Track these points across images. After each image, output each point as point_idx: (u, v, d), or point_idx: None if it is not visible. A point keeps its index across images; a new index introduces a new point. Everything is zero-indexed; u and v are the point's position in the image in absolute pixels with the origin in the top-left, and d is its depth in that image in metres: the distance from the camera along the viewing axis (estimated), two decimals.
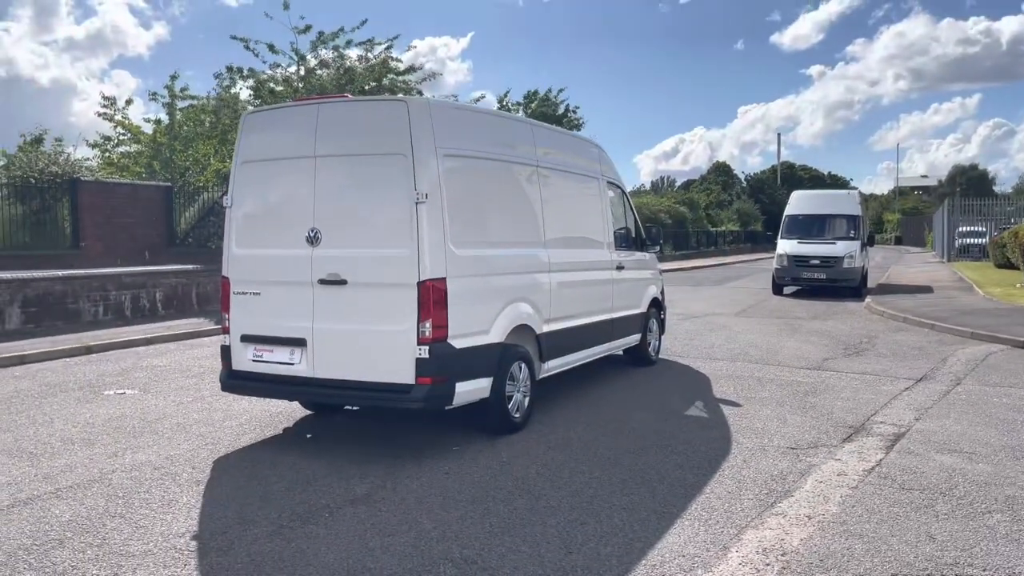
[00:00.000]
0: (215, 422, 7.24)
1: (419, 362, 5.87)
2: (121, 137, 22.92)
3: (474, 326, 6.30)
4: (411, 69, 21.48)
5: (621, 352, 9.92)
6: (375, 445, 6.51)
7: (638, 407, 7.89)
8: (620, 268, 9.14)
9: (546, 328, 7.33)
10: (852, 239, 20.53)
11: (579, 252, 8.30)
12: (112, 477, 5.68)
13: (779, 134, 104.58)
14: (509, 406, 6.70)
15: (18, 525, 4.75)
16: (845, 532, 4.67)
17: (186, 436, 6.78)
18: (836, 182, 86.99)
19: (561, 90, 34.48)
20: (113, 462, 6.04)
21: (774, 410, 7.75)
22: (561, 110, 32.19)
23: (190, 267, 15.74)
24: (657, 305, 10.46)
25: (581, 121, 32.38)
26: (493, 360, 6.48)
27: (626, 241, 9.61)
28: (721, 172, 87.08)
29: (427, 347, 5.86)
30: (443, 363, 5.93)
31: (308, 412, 7.58)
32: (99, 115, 22.61)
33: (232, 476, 5.74)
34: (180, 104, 22.85)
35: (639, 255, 9.94)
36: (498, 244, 6.80)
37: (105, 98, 22.86)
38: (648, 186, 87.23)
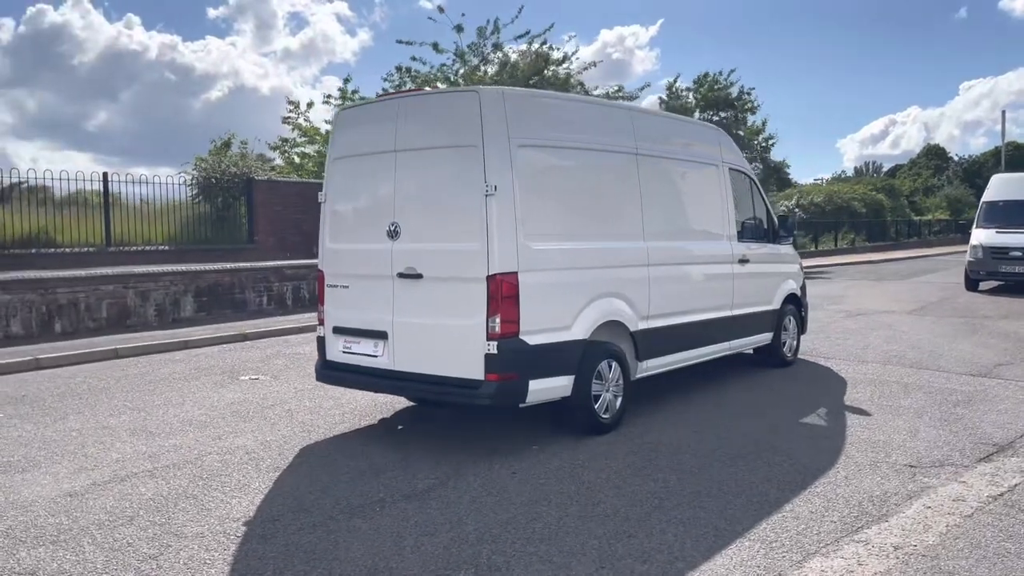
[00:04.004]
0: (322, 410, 7.52)
1: (488, 358, 5.75)
2: (299, 139, 24.65)
3: (552, 322, 6.08)
4: (565, 58, 21.38)
5: (751, 351, 9.26)
6: (458, 440, 6.46)
7: (750, 411, 7.30)
8: (744, 261, 8.49)
9: (643, 325, 6.94)
10: None
11: (688, 244, 7.79)
12: (206, 459, 6.03)
13: (1003, 111, 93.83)
14: (596, 406, 6.41)
15: (103, 501, 5.14)
16: (932, 568, 4.02)
17: (289, 422, 7.09)
18: None
19: (732, 71, 33.21)
20: (214, 444, 6.42)
21: (908, 421, 6.89)
22: (735, 92, 30.87)
23: None
24: (795, 301, 9.64)
25: (756, 104, 30.87)
26: (575, 358, 6.22)
27: (754, 232, 8.93)
28: (934, 155, 79.58)
29: (496, 343, 5.72)
30: (513, 360, 5.77)
31: (410, 403, 7.68)
32: (284, 120, 24.48)
33: (309, 464, 5.91)
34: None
35: (771, 247, 9.21)
36: (583, 237, 6.50)
37: (290, 103, 24.72)
38: (851, 172, 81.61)
